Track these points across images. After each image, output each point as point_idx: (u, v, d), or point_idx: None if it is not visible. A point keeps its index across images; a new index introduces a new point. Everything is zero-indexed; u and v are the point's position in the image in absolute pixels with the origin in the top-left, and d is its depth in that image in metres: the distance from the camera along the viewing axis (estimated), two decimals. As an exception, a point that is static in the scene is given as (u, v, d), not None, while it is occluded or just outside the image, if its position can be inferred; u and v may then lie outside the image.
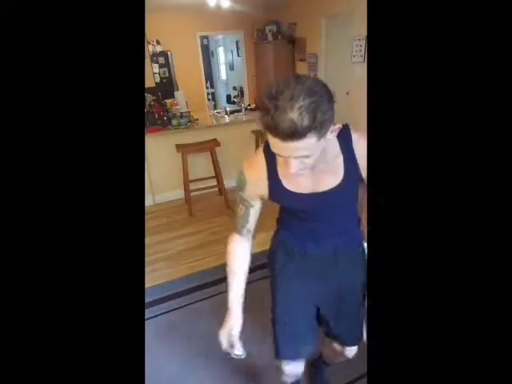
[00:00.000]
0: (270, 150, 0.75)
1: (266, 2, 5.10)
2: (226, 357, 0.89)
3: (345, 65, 4.26)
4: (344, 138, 0.76)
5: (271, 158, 0.78)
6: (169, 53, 5.23)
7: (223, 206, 3.05)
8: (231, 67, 7.14)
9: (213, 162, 3.02)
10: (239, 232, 0.93)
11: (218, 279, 2.05)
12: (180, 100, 3.67)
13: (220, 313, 1.77)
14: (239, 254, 0.96)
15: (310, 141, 0.59)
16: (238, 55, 6.48)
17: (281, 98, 0.56)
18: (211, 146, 2.92)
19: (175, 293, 1.97)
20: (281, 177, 0.79)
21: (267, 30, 5.39)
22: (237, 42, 6.35)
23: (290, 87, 0.57)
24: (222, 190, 3.10)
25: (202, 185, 3.08)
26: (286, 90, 0.57)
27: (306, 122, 0.56)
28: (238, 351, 0.87)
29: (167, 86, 5.07)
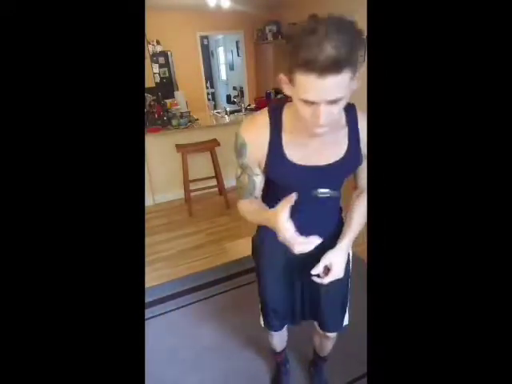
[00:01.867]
0: (275, 111, 0.74)
1: (266, 2, 5.10)
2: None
3: (345, 65, 4.25)
4: (350, 111, 0.77)
5: (276, 121, 0.74)
6: (169, 53, 5.23)
7: (223, 206, 3.05)
8: (231, 67, 7.13)
9: (213, 162, 3.02)
10: (248, 198, 0.86)
11: (217, 279, 2.05)
12: (180, 100, 3.68)
13: (220, 312, 1.77)
14: (255, 202, 0.86)
15: (345, 77, 0.59)
16: (238, 55, 6.48)
17: (317, 33, 0.57)
18: (211, 146, 2.92)
19: (175, 293, 1.97)
20: (284, 143, 0.74)
21: (267, 30, 5.39)
22: (237, 42, 6.35)
23: (323, 23, 0.58)
24: (221, 190, 3.10)
25: (201, 185, 3.08)
26: (320, 26, 0.58)
27: (343, 54, 0.57)
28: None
29: (167, 86, 5.07)
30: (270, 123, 0.75)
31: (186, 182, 2.90)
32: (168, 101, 3.54)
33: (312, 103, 0.63)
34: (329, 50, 0.56)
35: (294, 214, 0.82)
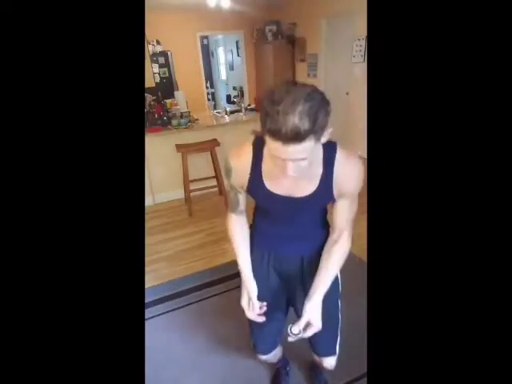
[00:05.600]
0: (259, 144, 0.83)
1: (266, 2, 5.10)
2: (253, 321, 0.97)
3: (345, 65, 4.26)
4: (329, 153, 0.79)
5: (258, 154, 0.83)
6: (169, 53, 5.23)
7: (223, 206, 3.05)
8: (231, 67, 7.13)
9: (213, 162, 3.02)
10: (234, 212, 1.01)
11: (217, 279, 2.05)
12: (180, 100, 3.67)
13: (220, 312, 1.77)
14: (240, 231, 1.02)
15: (309, 144, 0.63)
16: (238, 55, 6.47)
17: (283, 103, 0.59)
18: (211, 146, 2.92)
19: (175, 293, 1.97)
20: (263, 174, 0.83)
21: (267, 30, 5.39)
22: (237, 42, 6.34)
23: (290, 93, 0.60)
24: (221, 190, 3.10)
25: (201, 185, 3.08)
26: (287, 95, 0.60)
27: (306, 125, 0.59)
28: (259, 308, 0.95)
29: (167, 86, 5.07)
30: (253, 155, 0.84)
31: (186, 182, 2.90)
32: (168, 101, 3.54)
33: (279, 158, 0.68)
34: (292, 122, 0.59)
35: (275, 230, 0.96)
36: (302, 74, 5.25)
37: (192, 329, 1.72)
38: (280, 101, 0.60)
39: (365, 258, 2.06)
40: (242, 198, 0.96)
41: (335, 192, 0.82)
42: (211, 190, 3.14)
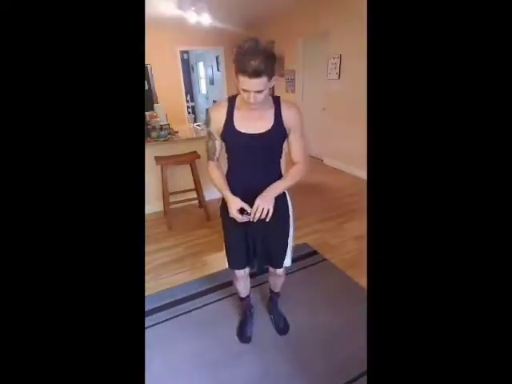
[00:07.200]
0: (232, 100, 1.23)
1: (245, 20, 5.25)
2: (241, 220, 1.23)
3: (321, 81, 4.42)
4: (276, 100, 1.22)
5: (231, 106, 1.22)
6: (149, 66, 5.25)
7: (203, 218, 3.04)
8: (211, 81, 7.21)
9: (193, 175, 3.02)
10: (212, 159, 1.35)
11: (198, 292, 2.04)
12: (159, 113, 3.67)
13: (201, 327, 1.75)
14: (217, 171, 1.35)
15: (263, 79, 1.02)
16: (218, 70, 6.57)
17: (248, 54, 0.99)
18: (191, 159, 2.93)
19: (155, 307, 1.93)
20: (234, 119, 1.21)
21: (246, 47, 5.52)
22: (217, 57, 6.45)
23: (252, 48, 0.99)
24: (201, 202, 3.09)
25: (181, 197, 3.06)
26: (251, 49, 0.99)
27: (261, 67, 0.99)
28: (248, 209, 1.21)
29: (147, 99, 5.06)
30: (228, 105, 1.22)
31: (166, 194, 2.87)
32: (148, 113, 3.53)
33: (246, 91, 1.06)
34: (253, 64, 0.99)
35: (244, 170, 1.27)
36: (280, 89, 5.38)
37: (173, 343, 1.69)
38: (247, 52, 0.99)
39: (359, 281, 2.12)
40: (218, 145, 1.29)
41: (286, 127, 1.19)
42: (191, 202, 3.13)
